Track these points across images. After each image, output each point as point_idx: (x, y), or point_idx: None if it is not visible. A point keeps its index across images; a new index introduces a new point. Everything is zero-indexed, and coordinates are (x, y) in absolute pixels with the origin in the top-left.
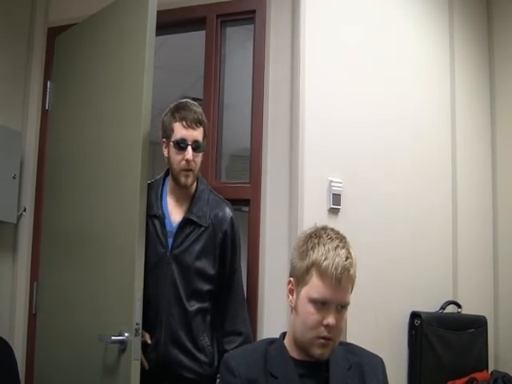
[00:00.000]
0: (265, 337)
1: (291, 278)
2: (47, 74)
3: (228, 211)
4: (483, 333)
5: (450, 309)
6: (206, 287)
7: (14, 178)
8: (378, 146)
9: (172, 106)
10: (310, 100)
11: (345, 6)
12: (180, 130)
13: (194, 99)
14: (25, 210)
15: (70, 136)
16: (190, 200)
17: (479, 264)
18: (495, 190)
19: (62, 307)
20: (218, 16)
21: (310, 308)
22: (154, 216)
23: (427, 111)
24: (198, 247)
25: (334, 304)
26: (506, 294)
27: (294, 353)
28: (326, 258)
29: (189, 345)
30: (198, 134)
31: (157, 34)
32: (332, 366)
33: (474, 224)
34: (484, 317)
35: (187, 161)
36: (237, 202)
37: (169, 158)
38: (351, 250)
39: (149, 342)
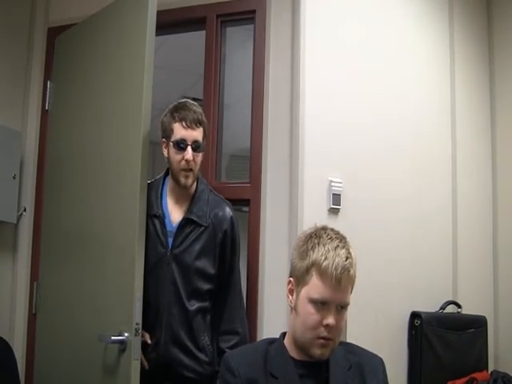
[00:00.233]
0: (265, 337)
1: (291, 278)
2: (47, 74)
3: (228, 211)
4: (483, 333)
5: (450, 309)
6: (206, 287)
7: (14, 178)
8: (377, 146)
9: (172, 106)
10: (310, 100)
11: (345, 6)
12: (180, 130)
13: (193, 99)
14: (25, 210)
15: (70, 136)
16: (190, 200)
17: (479, 264)
18: (495, 190)
19: (62, 307)
20: (217, 16)
21: (310, 308)
22: (154, 216)
23: (427, 111)
24: (198, 247)
25: (334, 304)
26: (506, 294)
27: (293, 353)
28: (325, 258)
29: (189, 344)
30: (197, 134)
31: (157, 34)
32: (332, 366)
33: (474, 224)
34: (484, 317)
35: (187, 161)
36: (237, 202)
37: (168, 158)
38: (351, 250)
39: (149, 341)
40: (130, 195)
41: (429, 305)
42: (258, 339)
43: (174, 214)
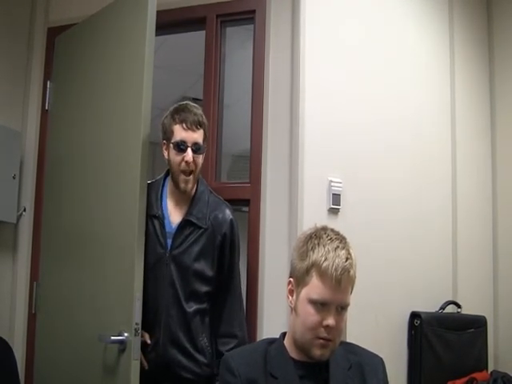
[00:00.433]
0: (265, 337)
1: (291, 279)
2: (47, 74)
3: (228, 213)
4: (483, 333)
5: (450, 309)
6: (204, 289)
7: (13, 177)
8: (377, 146)
9: (172, 108)
10: (310, 100)
11: (345, 6)
12: (180, 132)
13: (193, 99)
14: (25, 210)
15: (70, 136)
16: (190, 201)
17: (479, 264)
18: (495, 190)
19: (61, 307)
20: (217, 16)
21: (310, 309)
22: (153, 216)
23: (427, 111)
24: (196, 248)
25: (334, 305)
26: (506, 294)
27: (293, 353)
28: (325, 259)
29: (188, 345)
30: (197, 135)
31: (157, 34)
32: (332, 367)
33: (473, 224)
34: (484, 317)
35: (187, 162)
36: (237, 202)
37: (169, 159)
38: (351, 251)
39: (148, 341)
40: (130, 195)
41: (429, 305)
42: (258, 339)
43: (174, 215)
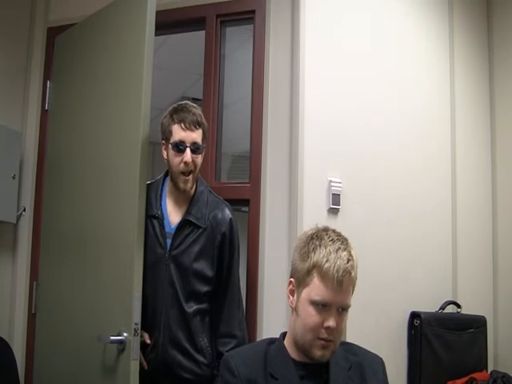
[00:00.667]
0: (265, 337)
1: (292, 279)
2: (47, 74)
3: (227, 213)
4: (483, 333)
5: (450, 309)
6: (204, 289)
7: (13, 177)
8: (377, 146)
9: (171, 108)
10: (310, 100)
11: (344, 6)
12: (178, 132)
13: (193, 99)
14: (24, 210)
15: (70, 136)
16: (189, 201)
17: (479, 264)
18: (495, 190)
19: (61, 307)
20: (217, 16)
21: (311, 310)
22: (153, 216)
23: (427, 111)
24: (196, 248)
25: (335, 306)
26: (506, 294)
27: (294, 354)
28: (327, 261)
29: (187, 346)
30: (196, 135)
31: (157, 34)
32: (332, 367)
33: (473, 224)
34: (483, 317)
35: (186, 163)
36: (236, 202)
37: (168, 160)
38: (353, 252)
39: (148, 341)
40: (129, 195)
41: (428, 305)
42: (258, 339)
43: (173, 215)
